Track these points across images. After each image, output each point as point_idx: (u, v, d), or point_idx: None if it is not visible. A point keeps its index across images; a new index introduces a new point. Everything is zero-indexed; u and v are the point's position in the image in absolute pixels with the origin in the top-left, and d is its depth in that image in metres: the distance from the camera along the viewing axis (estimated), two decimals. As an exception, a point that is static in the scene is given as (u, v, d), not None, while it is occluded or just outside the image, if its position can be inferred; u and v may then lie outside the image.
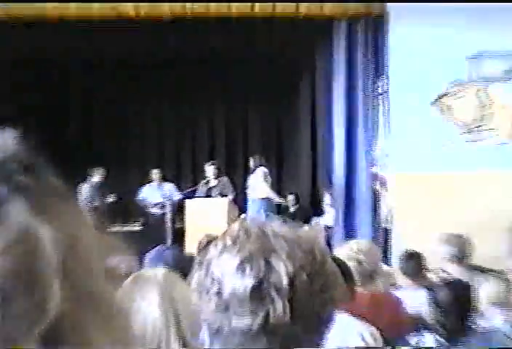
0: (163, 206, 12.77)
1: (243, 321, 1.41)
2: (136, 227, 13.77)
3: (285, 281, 1.40)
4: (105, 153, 14.95)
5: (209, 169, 12.33)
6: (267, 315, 1.40)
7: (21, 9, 10.06)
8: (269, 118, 15.48)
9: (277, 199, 12.27)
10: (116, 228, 13.41)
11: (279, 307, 1.39)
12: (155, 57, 13.39)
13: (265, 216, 11.77)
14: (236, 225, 1.50)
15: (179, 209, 12.54)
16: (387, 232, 10.28)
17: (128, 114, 15.34)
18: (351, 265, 4.35)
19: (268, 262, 1.41)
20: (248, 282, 1.40)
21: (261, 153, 13.29)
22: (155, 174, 13.50)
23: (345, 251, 4.62)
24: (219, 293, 1.42)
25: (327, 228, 11.78)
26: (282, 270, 1.41)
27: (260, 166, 12.11)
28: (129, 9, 10.21)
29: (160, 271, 2.55)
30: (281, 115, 15.36)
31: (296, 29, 11.75)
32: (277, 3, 10.35)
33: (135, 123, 15.55)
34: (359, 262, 4.46)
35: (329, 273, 1.47)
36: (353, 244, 4.77)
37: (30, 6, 10.04)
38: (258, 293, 1.40)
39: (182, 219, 12.23)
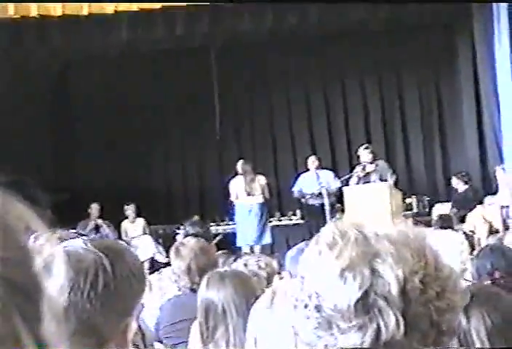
0: (320, 196, 12.58)
1: (350, 339, 1.31)
2: (294, 220, 13.79)
3: (395, 290, 1.30)
4: (253, 147, 15.13)
5: (364, 153, 12.06)
6: (377, 331, 1.30)
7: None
8: (427, 89, 15.17)
9: None
10: (273, 223, 13.50)
11: (391, 320, 1.29)
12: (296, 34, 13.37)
13: None
14: (329, 228, 1.39)
15: (338, 199, 12.44)
16: None
17: (272, 102, 15.35)
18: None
19: (372, 269, 1.31)
20: (352, 293, 1.31)
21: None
22: (311, 161, 13.24)
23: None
24: (318, 308, 1.32)
25: (503, 207, 11.44)
26: (390, 276, 1.30)
27: None
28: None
29: None
30: (440, 85, 15.04)
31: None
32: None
33: (281, 111, 15.56)
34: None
35: (446, 276, 1.35)
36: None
37: None
38: (365, 305, 1.30)
39: (342, 210, 12.14)
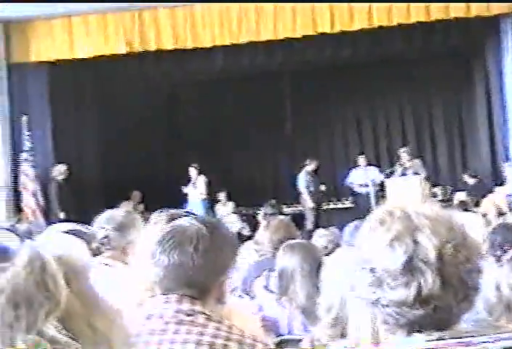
0: (367, 186, 12.59)
1: (398, 293, 1.30)
2: (347, 204, 13.69)
3: (433, 255, 1.29)
4: (316, 147, 15.07)
5: (403, 154, 12.08)
6: (419, 287, 1.29)
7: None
8: (450, 106, 14.90)
9: None
10: (330, 206, 13.46)
11: (429, 278, 1.29)
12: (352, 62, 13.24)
13: None
14: (379, 209, 1.39)
15: (381, 188, 12.35)
16: None
17: (330, 116, 15.21)
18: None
19: (414, 239, 1.31)
20: (399, 258, 1.30)
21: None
22: (361, 159, 13.23)
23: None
24: (372, 270, 1.31)
25: (508, 195, 11.22)
26: (429, 245, 1.30)
27: None
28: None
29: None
30: (461, 101, 14.75)
31: (467, 28, 11.29)
32: (450, 4, 9.98)
33: (336, 120, 15.43)
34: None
35: (471, 245, 1.34)
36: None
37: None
38: (409, 267, 1.30)
39: (383, 197, 12.03)
